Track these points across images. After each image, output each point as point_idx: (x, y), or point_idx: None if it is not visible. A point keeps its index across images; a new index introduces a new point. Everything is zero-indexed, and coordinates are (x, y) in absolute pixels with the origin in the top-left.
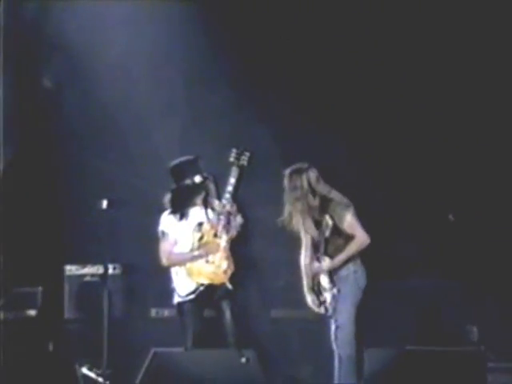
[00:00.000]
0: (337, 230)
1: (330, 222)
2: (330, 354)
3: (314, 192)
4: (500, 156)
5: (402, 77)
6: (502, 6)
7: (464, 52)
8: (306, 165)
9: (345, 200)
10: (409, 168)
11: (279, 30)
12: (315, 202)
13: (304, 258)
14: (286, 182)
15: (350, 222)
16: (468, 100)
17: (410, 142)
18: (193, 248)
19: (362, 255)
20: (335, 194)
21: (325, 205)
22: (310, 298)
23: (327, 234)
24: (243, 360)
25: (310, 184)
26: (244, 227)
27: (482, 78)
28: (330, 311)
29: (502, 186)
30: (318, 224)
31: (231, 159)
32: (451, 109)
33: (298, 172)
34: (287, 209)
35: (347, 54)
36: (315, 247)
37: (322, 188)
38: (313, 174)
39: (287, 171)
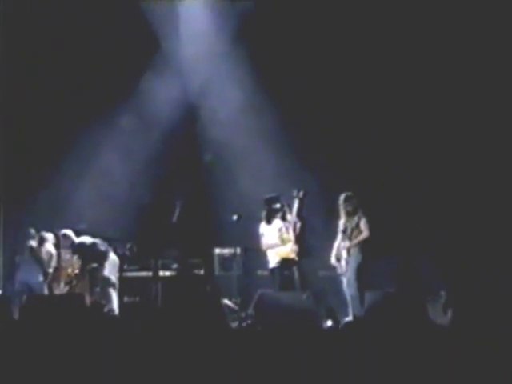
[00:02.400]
0: (356, 227)
1: (355, 222)
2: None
3: (356, 207)
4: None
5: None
6: (502, 6)
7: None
8: (352, 193)
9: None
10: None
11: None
12: (353, 211)
13: (338, 238)
14: (341, 198)
15: (364, 223)
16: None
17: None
18: (277, 241)
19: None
20: (361, 210)
21: (356, 213)
22: (333, 260)
23: (352, 227)
24: (304, 297)
25: (356, 203)
26: (302, 229)
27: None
28: (343, 271)
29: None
30: (348, 221)
31: (294, 194)
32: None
33: (351, 197)
34: (341, 213)
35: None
36: (344, 234)
37: (359, 207)
38: (357, 199)
39: (343, 195)
